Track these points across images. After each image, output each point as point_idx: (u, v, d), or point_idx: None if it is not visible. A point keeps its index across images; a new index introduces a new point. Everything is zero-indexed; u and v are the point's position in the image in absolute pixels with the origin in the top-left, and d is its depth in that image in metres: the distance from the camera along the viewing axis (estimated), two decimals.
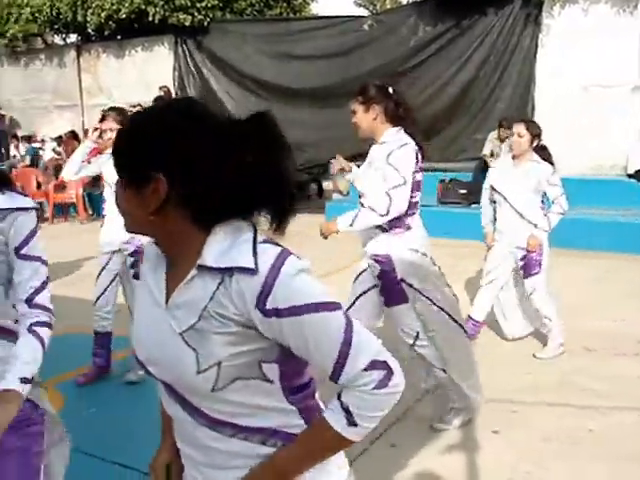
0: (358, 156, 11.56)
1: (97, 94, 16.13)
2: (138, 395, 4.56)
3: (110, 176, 4.58)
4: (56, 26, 16.56)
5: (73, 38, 17.60)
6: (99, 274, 4.83)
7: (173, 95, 13.74)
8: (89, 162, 4.87)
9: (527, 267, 5.14)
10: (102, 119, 4.86)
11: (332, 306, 1.34)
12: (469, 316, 5.32)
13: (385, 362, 1.34)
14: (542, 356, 5.16)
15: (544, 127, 5.29)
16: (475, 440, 3.92)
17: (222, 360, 1.33)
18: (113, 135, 4.70)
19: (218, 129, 1.34)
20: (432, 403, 4.31)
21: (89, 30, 16.35)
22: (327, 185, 13.40)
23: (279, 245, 1.36)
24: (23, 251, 2.10)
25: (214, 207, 1.36)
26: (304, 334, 1.32)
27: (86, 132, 14.84)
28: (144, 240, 1.54)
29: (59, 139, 14.75)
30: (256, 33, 13.77)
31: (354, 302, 3.94)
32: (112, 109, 4.96)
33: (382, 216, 3.62)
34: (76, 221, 12.68)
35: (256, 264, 1.30)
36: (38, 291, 2.10)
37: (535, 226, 5.06)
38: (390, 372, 1.34)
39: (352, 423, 1.34)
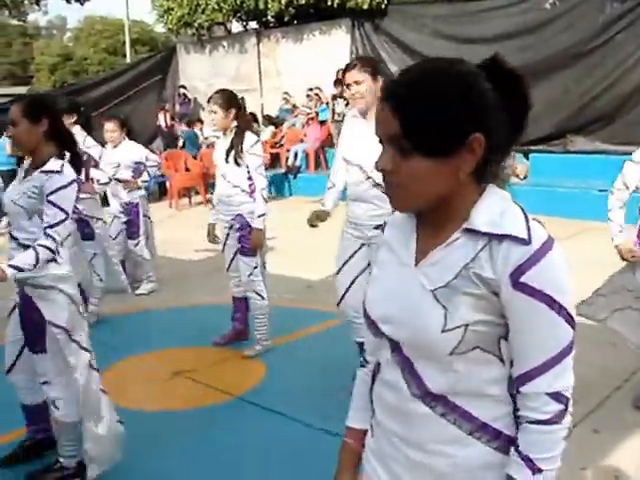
0: (547, 138, 11.41)
1: (275, 78, 16.70)
2: (337, 364, 4.74)
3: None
4: (239, 14, 17.30)
5: (253, 25, 18.33)
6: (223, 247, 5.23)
7: None
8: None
9: None
10: (208, 101, 5.07)
11: (571, 319, 1.35)
12: None
13: (568, 400, 1.36)
14: None
15: None
16: None
17: (469, 323, 1.35)
18: (215, 117, 4.96)
19: (488, 77, 1.35)
20: (636, 386, 4.21)
21: (269, 17, 16.95)
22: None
23: None
24: (50, 198, 3.15)
25: (500, 157, 1.39)
26: (531, 321, 1.33)
27: (263, 117, 15.48)
28: None
29: None
30: (434, 14, 13.69)
31: None
32: (217, 91, 5.10)
33: None
34: None
35: (529, 237, 1.32)
36: (52, 226, 3.15)
37: None
38: (566, 410, 1.36)
39: (537, 470, 1.35)
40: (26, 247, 3.22)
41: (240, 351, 5.17)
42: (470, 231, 1.38)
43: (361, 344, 4.04)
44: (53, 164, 3.23)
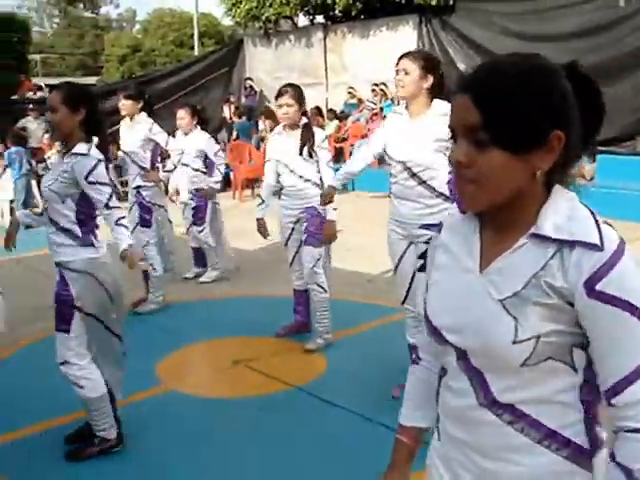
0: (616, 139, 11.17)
1: (341, 73, 16.73)
2: (397, 360, 4.74)
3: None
4: (306, 8, 17.39)
5: (320, 19, 18.38)
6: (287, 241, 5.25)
7: None
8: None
9: None
10: (279, 95, 5.06)
11: None
12: None
13: None
14: None
15: None
16: None
17: (541, 334, 1.31)
18: (289, 110, 4.96)
19: (567, 76, 1.35)
20: None
21: (336, 11, 16.99)
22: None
23: None
24: (89, 180, 3.38)
25: (575, 158, 1.38)
26: (612, 329, 1.29)
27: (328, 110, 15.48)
28: None
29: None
30: (503, 11, 13.49)
31: None
32: (289, 85, 5.12)
33: None
34: None
35: (602, 242, 1.28)
36: (107, 203, 3.42)
37: None
38: None
39: None
40: (65, 230, 3.44)
41: (302, 343, 5.22)
42: (538, 236, 1.34)
43: (411, 344, 4.06)
44: (80, 147, 3.44)
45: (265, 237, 5.36)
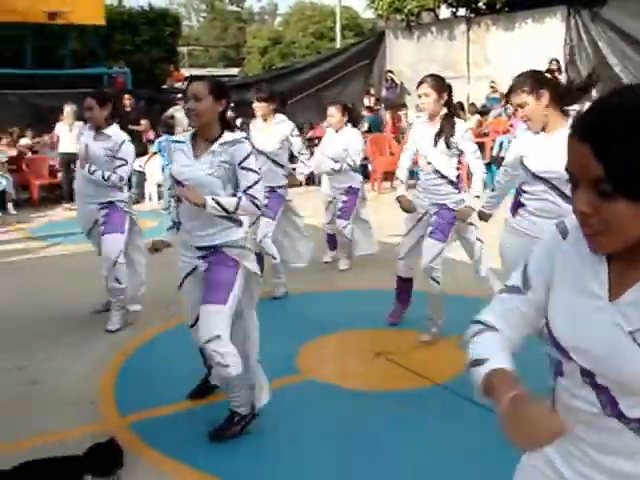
0: None
1: (483, 66, 16.42)
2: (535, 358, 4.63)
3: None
4: (449, 1, 17.19)
5: (462, 12, 18.11)
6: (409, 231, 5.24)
7: (562, 69, 13.43)
8: None
9: None
10: (419, 85, 4.98)
11: None
12: None
13: None
14: None
15: None
16: None
17: None
18: (426, 100, 4.87)
19: None
20: None
21: (480, 3, 16.68)
22: None
23: None
24: (243, 165, 3.52)
25: None
26: None
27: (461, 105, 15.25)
28: None
29: None
30: None
31: None
32: (429, 75, 5.02)
33: None
34: None
35: None
36: (250, 187, 3.52)
37: None
38: None
39: None
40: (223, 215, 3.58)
41: (444, 338, 5.16)
42: None
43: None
44: (233, 135, 3.61)
45: (411, 211, 5.19)
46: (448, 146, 4.88)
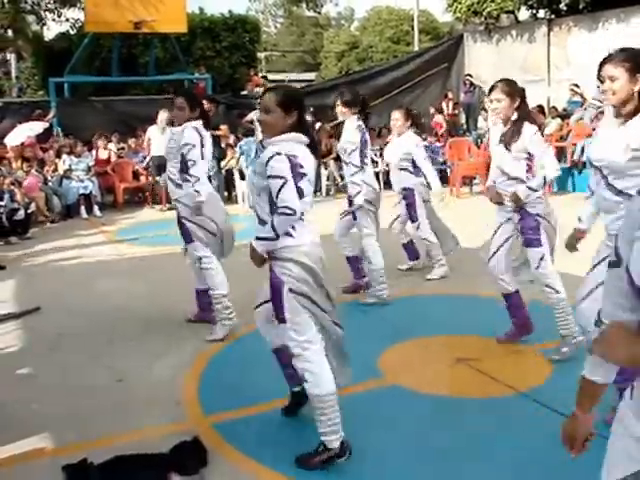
0: None
1: (564, 69, 16.07)
2: None
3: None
4: (529, 2, 16.90)
5: (542, 13, 17.78)
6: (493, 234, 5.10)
7: None
8: None
9: None
10: (490, 90, 4.89)
11: None
12: None
13: None
14: None
15: None
16: None
17: None
18: (498, 105, 4.78)
19: None
20: None
21: (561, 4, 16.35)
22: None
23: None
24: (267, 173, 3.41)
25: None
26: None
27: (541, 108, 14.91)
28: None
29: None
30: None
31: None
32: (501, 80, 4.92)
33: None
34: None
35: None
36: (277, 195, 3.38)
37: None
38: None
39: None
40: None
41: (528, 345, 5.06)
42: None
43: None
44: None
45: (500, 203, 5.02)
46: (509, 149, 4.80)
